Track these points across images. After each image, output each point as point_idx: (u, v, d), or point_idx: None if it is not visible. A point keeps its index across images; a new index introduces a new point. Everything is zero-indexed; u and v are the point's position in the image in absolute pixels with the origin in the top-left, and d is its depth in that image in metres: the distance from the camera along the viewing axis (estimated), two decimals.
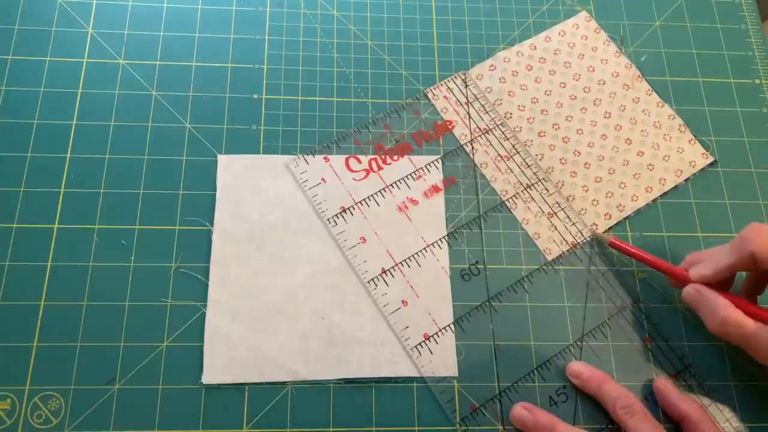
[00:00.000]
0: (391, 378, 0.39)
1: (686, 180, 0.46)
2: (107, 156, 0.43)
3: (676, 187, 0.46)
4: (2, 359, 0.38)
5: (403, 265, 0.42)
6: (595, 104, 0.48)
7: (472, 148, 0.46)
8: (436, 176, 0.45)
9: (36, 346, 0.38)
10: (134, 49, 0.47)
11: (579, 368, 0.39)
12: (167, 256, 0.41)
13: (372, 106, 0.47)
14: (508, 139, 0.46)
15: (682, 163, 0.47)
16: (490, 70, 0.49)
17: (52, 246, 0.41)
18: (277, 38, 0.48)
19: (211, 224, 0.42)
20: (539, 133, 0.47)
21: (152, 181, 0.43)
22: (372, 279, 0.41)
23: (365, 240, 0.42)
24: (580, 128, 0.47)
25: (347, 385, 0.39)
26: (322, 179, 0.44)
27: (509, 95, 0.48)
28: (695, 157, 0.47)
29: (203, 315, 0.40)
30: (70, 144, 0.43)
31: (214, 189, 0.43)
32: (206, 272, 0.41)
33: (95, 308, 0.39)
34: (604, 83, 0.49)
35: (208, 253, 0.41)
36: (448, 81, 0.48)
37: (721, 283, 0.38)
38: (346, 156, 0.45)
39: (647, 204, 0.45)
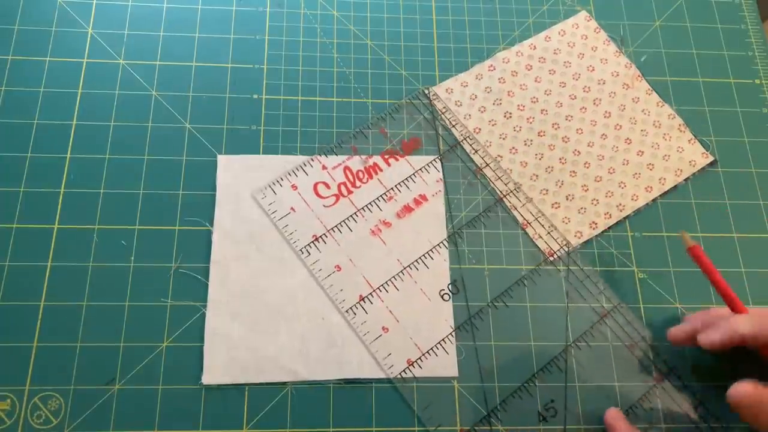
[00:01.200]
0: (390, 378, 0.39)
1: (686, 180, 0.46)
2: (107, 156, 0.43)
3: (675, 186, 0.46)
4: (2, 359, 0.38)
5: (381, 290, 0.41)
6: (594, 104, 0.48)
7: (442, 164, 0.45)
8: (407, 196, 0.44)
9: (36, 346, 0.38)
10: (134, 49, 0.47)
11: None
12: (167, 256, 0.41)
13: (372, 106, 0.47)
14: (476, 152, 0.45)
15: (682, 163, 0.47)
16: (489, 70, 0.49)
17: (52, 246, 0.41)
18: (277, 38, 0.48)
19: (211, 224, 0.42)
20: (539, 132, 0.47)
21: (152, 181, 0.43)
22: (350, 308, 0.41)
23: (340, 268, 0.41)
24: (579, 128, 0.47)
25: (347, 386, 0.39)
26: (291, 209, 0.43)
27: (509, 95, 0.48)
28: (695, 156, 0.47)
29: (203, 315, 0.40)
30: (70, 144, 0.43)
31: (214, 189, 0.43)
32: (206, 272, 0.41)
33: (95, 308, 0.39)
34: (603, 83, 0.49)
35: (208, 253, 0.41)
36: (413, 97, 0.47)
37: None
38: (314, 182, 0.43)
39: (647, 203, 0.45)
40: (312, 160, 0.44)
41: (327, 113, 0.46)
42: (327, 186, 0.43)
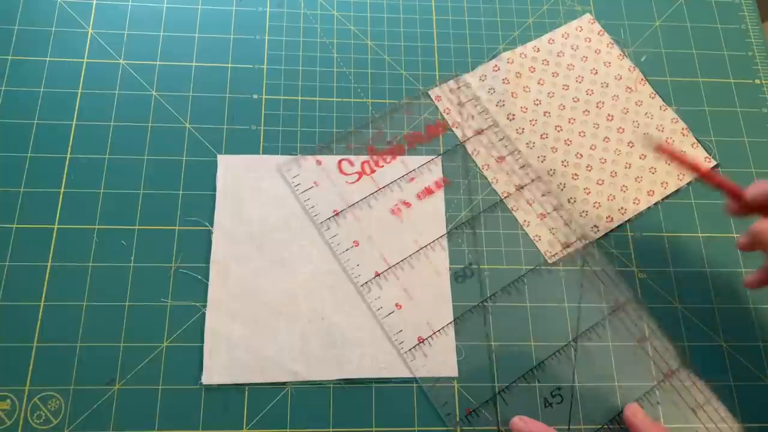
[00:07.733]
0: (390, 378, 0.39)
1: (687, 183, 0.46)
2: (107, 156, 0.43)
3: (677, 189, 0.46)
4: (2, 359, 0.38)
5: (396, 268, 0.42)
6: (597, 107, 0.48)
7: (465, 150, 0.46)
8: (428, 178, 0.45)
9: (36, 346, 0.38)
10: (134, 49, 0.46)
11: (519, 425, 0.38)
12: (167, 256, 0.41)
13: (372, 106, 0.47)
14: (500, 140, 0.46)
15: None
16: (493, 70, 0.48)
17: (52, 246, 0.41)
18: (277, 38, 0.48)
19: (211, 224, 0.42)
20: (542, 135, 0.47)
21: (152, 181, 0.43)
22: (365, 283, 0.41)
23: (358, 244, 0.42)
24: (582, 131, 0.47)
25: (347, 386, 0.39)
26: (315, 183, 0.43)
27: (512, 96, 0.48)
28: (697, 160, 0.47)
29: (203, 315, 0.40)
30: (70, 144, 0.43)
31: (214, 189, 0.43)
32: (206, 272, 0.41)
33: (95, 308, 0.39)
34: (607, 86, 0.49)
35: (208, 253, 0.41)
36: (441, 85, 0.48)
37: None
38: (338, 159, 0.44)
39: (649, 207, 0.45)
40: (340, 136, 0.45)
41: (327, 113, 0.46)
42: (351, 163, 0.44)
